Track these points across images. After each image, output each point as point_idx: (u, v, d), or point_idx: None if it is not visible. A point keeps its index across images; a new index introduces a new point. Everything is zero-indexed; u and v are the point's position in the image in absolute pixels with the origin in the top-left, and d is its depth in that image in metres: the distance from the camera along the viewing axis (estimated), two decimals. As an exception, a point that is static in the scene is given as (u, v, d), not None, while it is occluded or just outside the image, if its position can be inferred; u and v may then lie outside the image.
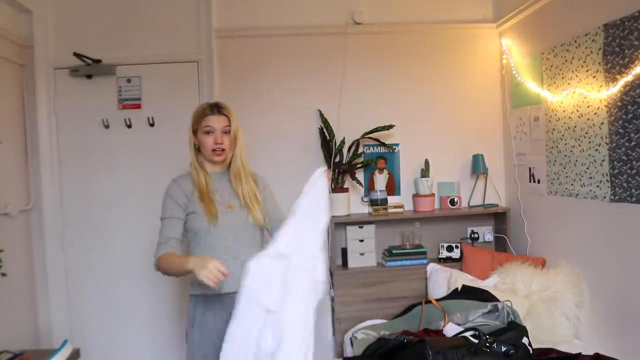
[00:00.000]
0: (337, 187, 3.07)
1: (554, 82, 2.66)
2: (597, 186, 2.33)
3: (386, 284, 3.01)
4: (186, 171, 2.01)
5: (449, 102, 3.27)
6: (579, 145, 2.46)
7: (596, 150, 2.33)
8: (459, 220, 3.26)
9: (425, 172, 3.15)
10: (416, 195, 3.15)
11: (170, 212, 1.91)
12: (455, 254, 3.14)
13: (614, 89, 2.17)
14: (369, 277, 3.01)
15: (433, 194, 3.17)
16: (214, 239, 1.90)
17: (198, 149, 1.99)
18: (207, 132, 1.94)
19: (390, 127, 3.06)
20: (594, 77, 2.32)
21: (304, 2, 3.17)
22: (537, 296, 2.53)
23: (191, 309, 1.94)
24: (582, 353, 2.15)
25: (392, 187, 3.25)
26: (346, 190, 3.10)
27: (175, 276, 1.87)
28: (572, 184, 2.54)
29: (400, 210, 3.10)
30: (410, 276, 3.03)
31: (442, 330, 2.28)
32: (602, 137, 2.28)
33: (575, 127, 2.49)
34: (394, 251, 3.07)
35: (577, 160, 2.49)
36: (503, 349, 1.87)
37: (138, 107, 3.05)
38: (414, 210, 3.18)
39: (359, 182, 3.13)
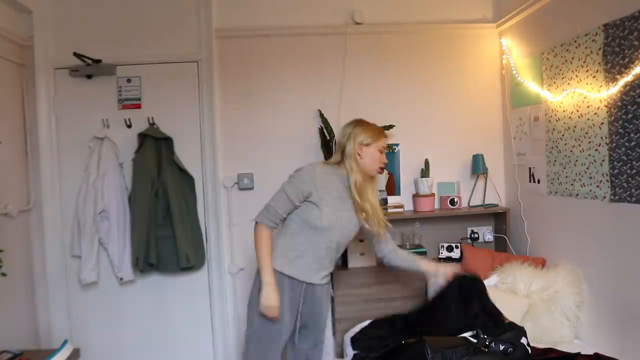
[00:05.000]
0: (337, 187, 3.07)
1: (554, 82, 2.66)
2: (597, 186, 2.33)
3: (386, 284, 3.00)
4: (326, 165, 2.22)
5: (449, 102, 3.27)
6: (579, 145, 2.46)
7: (596, 150, 2.33)
8: (459, 220, 3.26)
9: (425, 172, 3.15)
10: (416, 195, 3.15)
11: (293, 192, 2.09)
12: (455, 254, 3.13)
13: (614, 89, 2.16)
14: (369, 277, 3.01)
15: (433, 194, 3.17)
16: (326, 237, 2.12)
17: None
18: (382, 151, 2.21)
19: (390, 127, 3.06)
20: (594, 77, 2.32)
21: (304, 2, 3.17)
22: (537, 296, 2.53)
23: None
24: (582, 353, 2.15)
25: (392, 187, 3.25)
26: (346, 190, 3.10)
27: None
28: (572, 184, 2.54)
29: (400, 210, 3.10)
30: (410, 276, 3.01)
31: None
32: (602, 137, 2.28)
33: (575, 127, 2.49)
34: (393, 251, 3.07)
35: (577, 160, 2.49)
36: (501, 347, 1.87)
37: (138, 107, 3.05)
38: (414, 210, 3.18)
39: (358, 182, 3.13)
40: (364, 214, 2.18)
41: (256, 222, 2.13)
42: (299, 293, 2.15)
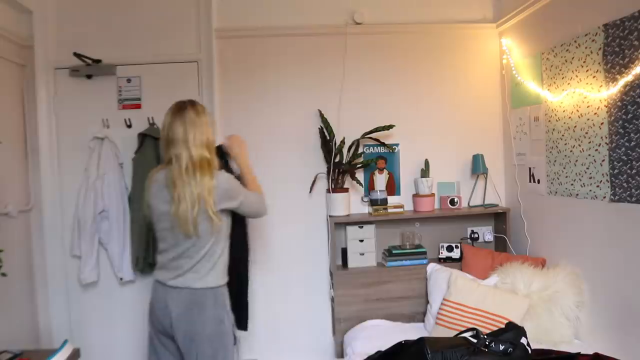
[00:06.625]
0: (337, 187, 3.07)
1: (554, 82, 2.66)
2: (597, 186, 2.33)
3: (386, 284, 3.01)
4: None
5: (449, 102, 3.27)
6: (579, 145, 2.46)
7: (596, 150, 2.33)
8: (459, 220, 3.26)
9: (425, 172, 3.15)
10: (416, 195, 3.15)
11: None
12: (455, 254, 3.14)
13: (614, 89, 2.17)
14: (369, 277, 3.01)
15: (433, 194, 3.17)
16: None
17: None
18: None
19: (390, 127, 3.06)
20: (594, 77, 2.32)
21: (304, 2, 3.18)
22: (537, 296, 2.53)
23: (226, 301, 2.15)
24: (582, 353, 2.15)
25: (392, 187, 3.25)
26: (346, 190, 3.10)
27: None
28: (572, 184, 2.54)
29: (400, 210, 3.10)
30: (410, 276, 3.03)
31: None
32: (602, 137, 2.28)
33: (575, 127, 2.49)
34: (394, 251, 3.07)
35: (577, 160, 2.49)
36: (501, 347, 1.87)
37: (138, 107, 3.05)
38: (414, 210, 3.18)
39: (359, 182, 3.13)
40: None
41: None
42: None
